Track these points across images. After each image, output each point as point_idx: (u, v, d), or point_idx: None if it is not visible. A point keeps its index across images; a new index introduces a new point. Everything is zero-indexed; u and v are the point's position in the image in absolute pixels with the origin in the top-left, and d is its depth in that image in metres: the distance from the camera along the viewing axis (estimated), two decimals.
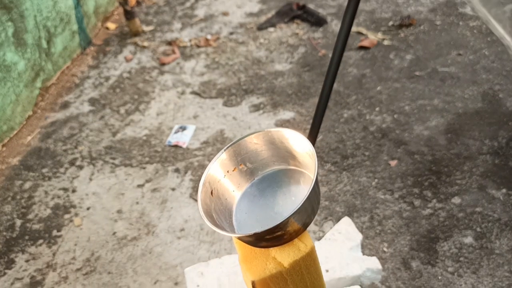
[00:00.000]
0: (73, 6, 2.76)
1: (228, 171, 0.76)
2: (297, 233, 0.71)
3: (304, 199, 0.63)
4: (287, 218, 0.63)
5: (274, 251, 0.71)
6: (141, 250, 1.62)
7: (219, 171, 0.76)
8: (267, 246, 0.72)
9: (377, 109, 2.14)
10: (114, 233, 1.70)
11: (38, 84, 2.44)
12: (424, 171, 1.79)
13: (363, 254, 1.43)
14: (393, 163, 1.84)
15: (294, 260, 0.70)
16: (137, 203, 1.80)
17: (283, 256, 0.70)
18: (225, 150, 0.75)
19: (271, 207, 0.76)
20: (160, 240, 1.65)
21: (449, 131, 1.96)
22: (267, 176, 0.80)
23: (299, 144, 0.72)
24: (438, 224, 1.59)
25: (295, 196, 0.75)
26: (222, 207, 0.77)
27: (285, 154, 0.76)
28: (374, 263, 1.23)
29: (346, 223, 1.34)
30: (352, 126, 2.06)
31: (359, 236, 1.31)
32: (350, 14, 1.29)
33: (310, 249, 0.71)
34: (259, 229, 0.65)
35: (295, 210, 0.63)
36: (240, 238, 0.71)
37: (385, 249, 1.53)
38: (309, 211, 0.69)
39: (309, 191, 0.64)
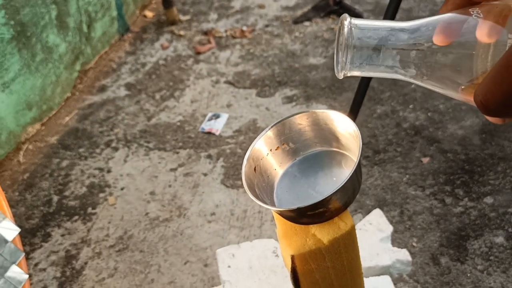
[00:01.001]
0: None
1: (271, 150, 0.78)
2: (338, 212, 0.72)
3: (348, 177, 0.64)
4: (330, 195, 0.64)
5: (314, 228, 0.72)
6: (173, 231, 1.66)
7: (263, 149, 0.78)
8: (308, 222, 0.73)
9: (410, 106, 2.13)
10: (147, 213, 1.74)
11: (77, 67, 2.50)
12: (456, 169, 1.78)
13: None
14: (425, 160, 1.84)
15: (333, 238, 0.71)
16: (170, 186, 1.84)
17: (323, 233, 0.71)
18: (269, 128, 0.77)
19: (312, 186, 0.77)
20: (191, 223, 1.68)
21: (483, 132, 1.94)
22: (309, 156, 0.81)
23: (343, 126, 0.73)
24: (469, 222, 1.58)
25: (337, 177, 0.76)
26: (264, 184, 0.78)
27: (329, 136, 0.77)
28: (404, 255, 1.24)
29: (377, 214, 1.35)
30: (385, 122, 2.05)
31: (389, 228, 1.32)
32: (391, 11, 1.29)
33: (350, 228, 0.72)
34: (300, 205, 0.67)
35: (338, 187, 0.64)
36: (282, 213, 0.73)
37: (414, 244, 1.53)
38: (350, 191, 0.70)
39: (353, 170, 0.65)
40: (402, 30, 0.39)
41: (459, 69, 0.37)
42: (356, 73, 0.41)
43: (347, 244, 0.71)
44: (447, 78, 0.38)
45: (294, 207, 0.66)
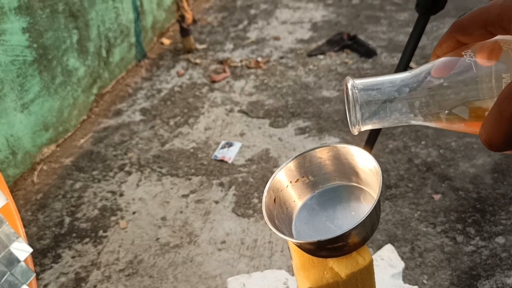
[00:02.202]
0: (133, 20, 2.88)
1: (291, 182, 0.79)
2: (357, 246, 0.73)
3: (369, 212, 0.65)
4: (351, 229, 0.65)
5: (332, 262, 0.73)
6: (182, 258, 1.66)
7: (283, 181, 0.79)
8: (326, 256, 0.74)
9: (423, 142, 2.14)
10: (158, 239, 1.75)
11: (95, 90, 2.55)
12: (468, 208, 1.78)
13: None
14: (436, 197, 1.84)
15: (351, 272, 0.71)
16: (181, 212, 1.85)
17: (341, 267, 0.72)
18: (290, 160, 0.78)
19: (330, 220, 0.78)
20: (201, 250, 1.68)
21: (495, 171, 1.94)
22: (328, 190, 0.82)
23: (364, 161, 0.74)
24: (480, 262, 1.57)
25: (355, 211, 0.77)
26: (283, 215, 0.79)
27: (348, 171, 0.78)
28: None
29: (388, 250, 1.35)
30: (397, 157, 2.07)
31: (401, 264, 1.32)
32: (410, 49, 1.32)
33: (368, 263, 0.72)
34: (320, 238, 0.68)
35: (359, 222, 0.65)
36: (301, 246, 0.73)
37: (424, 281, 1.53)
38: (369, 227, 0.71)
39: (373, 205, 0.66)
40: (402, 81, 0.42)
41: (462, 104, 0.40)
42: (369, 127, 0.45)
43: (364, 279, 0.72)
44: (452, 115, 0.41)
45: (314, 240, 0.67)
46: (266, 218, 0.71)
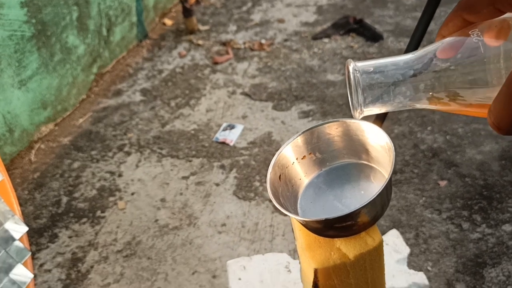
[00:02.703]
0: None
1: (297, 158, 0.75)
2: (366, 226, 0.69)
3: (381, 189, 0.61)
4: (361, 207, 0.61)
5: (339, 242, 0.69)
6: (182, 240, 1.63)
7: (289, 157, 0.75)
8: (334, 235, 0.70)
9: (429, 128, 2.10)
10: (156, 220, 1.71)
11: (94, 69, 2.50)
12: (474, 194, 1.74)
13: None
14: (442, 183, 1.80)
15: (360, 253, 0.68)
16: (181, 194, 1.82)
17: (349, 248, 0.68)
18: (298, 136, 0.74)
19: (338, 199, 0.74)
20: (201, 233, 1.65)
21: (503, 158, 1.90)
22: (336, 168, 0.78)
23: (375, 137, 0.70)
24: (486, 249, 1.54)
25: (365, 190, 0.73)
26: (289, 193, 0.76)
27: (358, 148, 0.74)
28: (421, 278, 1.20)
29: (393, 235, 1.31)
30: (402, 142, 2.02)
31: (406, 250, 1.28)
32: (419, 33, 1.26)
33: (378, 244, 0.69)
34: (328, 216, 0.64)
35: (370, 200, 0.61)
36: (307, 224, 0.69)
37: (429, 268, 1.49)
38: (379, 206, 0.67)
39: (386, 183, 0.62)
40: (406, 63, 0.40)
41: (469, 86, 0.38)
42: (372, 111, 0.44)
43: (373, 261, 0.68)
44: (459, 97, 0.39)
45: (322, 218, 0.63)
46: (270, 195, 0.67)
